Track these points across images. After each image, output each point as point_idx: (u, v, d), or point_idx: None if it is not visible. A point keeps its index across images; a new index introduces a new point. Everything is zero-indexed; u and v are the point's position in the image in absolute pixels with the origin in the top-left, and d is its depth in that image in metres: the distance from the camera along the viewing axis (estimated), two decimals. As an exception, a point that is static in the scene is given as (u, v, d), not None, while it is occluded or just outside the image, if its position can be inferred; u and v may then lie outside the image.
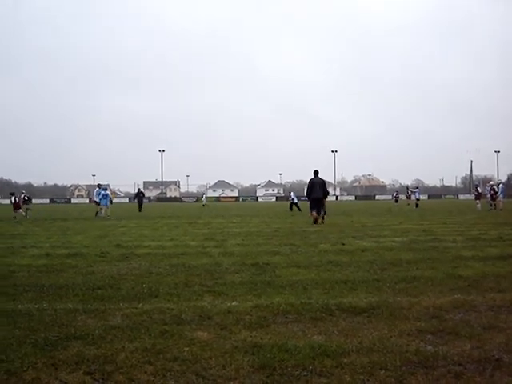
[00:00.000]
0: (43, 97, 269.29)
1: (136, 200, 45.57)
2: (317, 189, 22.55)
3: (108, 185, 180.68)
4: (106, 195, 33.41)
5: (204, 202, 72.17)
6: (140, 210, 43.33)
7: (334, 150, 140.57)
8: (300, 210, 39.60)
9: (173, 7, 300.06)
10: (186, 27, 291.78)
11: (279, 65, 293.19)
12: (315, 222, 22.23)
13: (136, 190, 55.12)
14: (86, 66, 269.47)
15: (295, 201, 42.46)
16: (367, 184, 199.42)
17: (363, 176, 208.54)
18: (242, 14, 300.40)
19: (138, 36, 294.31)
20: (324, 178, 23.20)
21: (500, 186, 39.83)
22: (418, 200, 48.92)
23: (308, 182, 23.57)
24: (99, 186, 35.44)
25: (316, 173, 22.88)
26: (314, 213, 22.28)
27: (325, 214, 23.29)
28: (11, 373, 4.33)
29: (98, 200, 33.50)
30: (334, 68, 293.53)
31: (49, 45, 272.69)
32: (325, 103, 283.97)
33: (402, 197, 62.08)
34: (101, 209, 33.21)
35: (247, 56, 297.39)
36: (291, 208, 41.40)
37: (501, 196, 38.93)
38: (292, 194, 45.05)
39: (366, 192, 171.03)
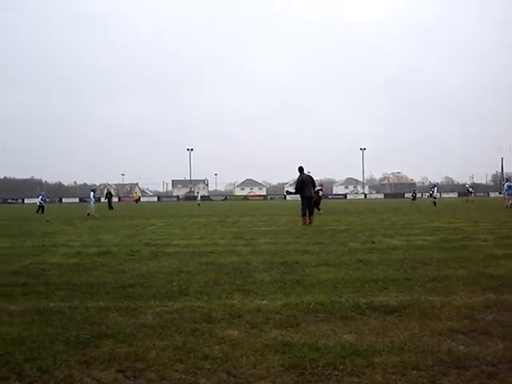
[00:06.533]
0: (78, 102, 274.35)
1: (106, 200, 50.51)
2: (309, 187, 22.08)
3: (137, 184, 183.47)
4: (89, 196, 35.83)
5: (199, 202, 74.20)
6: (110, 208, 46.99)
7: (362, 147, 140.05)
8: (43, 212, 39.84)
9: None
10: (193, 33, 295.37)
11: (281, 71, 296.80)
12: (304, 223, 21.48)
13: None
14: (123, 75, 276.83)
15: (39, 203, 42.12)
16: (396, 182, 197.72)
17: (392, 174, 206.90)
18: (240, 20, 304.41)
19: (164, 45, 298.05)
20: (311, 175, 22.60)
21: (506, 184, 39.86)
22: (435, 198, 48.36)
23: (297, 179, 22.61)
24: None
25: (302, 169, 22.28)
26: (306, 217, 21.60)
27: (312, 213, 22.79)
28: (44, 370, 4.37)
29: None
30: (340, 71, 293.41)
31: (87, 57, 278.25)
32: (343, 106, 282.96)
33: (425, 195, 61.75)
34: (91, 209, 34.55)
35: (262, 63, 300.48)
36: (38, 211, 41.07)
37: (506, 194, 39.44)
38: (40, 196, 43.50)
39: (395, 190, 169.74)
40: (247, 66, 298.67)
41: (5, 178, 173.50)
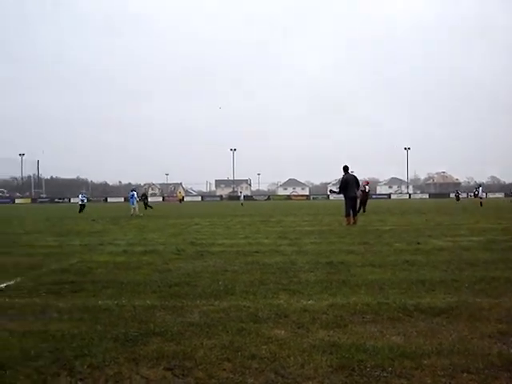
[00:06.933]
0: (116, 105, 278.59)
1: (142, 201, 51.17)
2: (352, 187, 21.61)
3: (180, 183, 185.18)
4: (132, 196, 35.84)
5: (242, 201, 74.84)
6: (145, 208, 47.02)
7: (406, 147, 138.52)
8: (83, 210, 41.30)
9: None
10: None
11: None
12: (348, 223, 21.15)
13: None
14: (153, 76, 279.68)
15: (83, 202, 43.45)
16: (441, 181, 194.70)
17: (437, 173, 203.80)
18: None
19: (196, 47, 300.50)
20: (355, 175, 22.21)
21: None
22: (481, 198, 47.43)
23: (341, 178, 22.24)
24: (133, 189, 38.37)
25: (346, 168, 21.91)
26: (350, 218, 21.28)
27: (357, 212, 22.52)
28: (94, 367, 4.47)
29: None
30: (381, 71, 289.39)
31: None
32: (379, 104, 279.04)
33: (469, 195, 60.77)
34: (134, 209, 35.08)
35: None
36: (80, 210, 42.25)
37: None
38: (81, 195, 45.24)
39: (440, 190, 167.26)
40: (288, 64, 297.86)
41: (51, 177, 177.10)
